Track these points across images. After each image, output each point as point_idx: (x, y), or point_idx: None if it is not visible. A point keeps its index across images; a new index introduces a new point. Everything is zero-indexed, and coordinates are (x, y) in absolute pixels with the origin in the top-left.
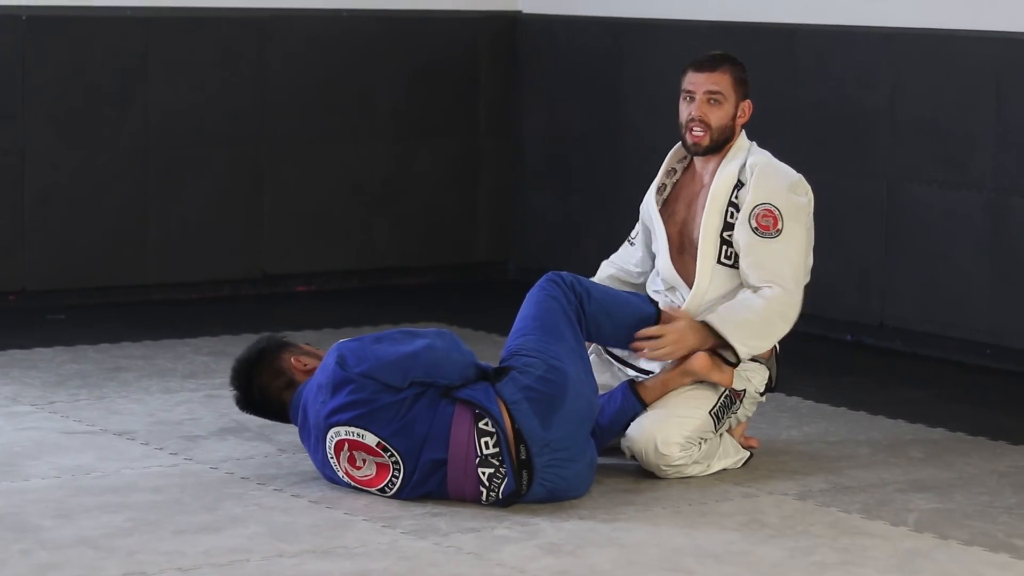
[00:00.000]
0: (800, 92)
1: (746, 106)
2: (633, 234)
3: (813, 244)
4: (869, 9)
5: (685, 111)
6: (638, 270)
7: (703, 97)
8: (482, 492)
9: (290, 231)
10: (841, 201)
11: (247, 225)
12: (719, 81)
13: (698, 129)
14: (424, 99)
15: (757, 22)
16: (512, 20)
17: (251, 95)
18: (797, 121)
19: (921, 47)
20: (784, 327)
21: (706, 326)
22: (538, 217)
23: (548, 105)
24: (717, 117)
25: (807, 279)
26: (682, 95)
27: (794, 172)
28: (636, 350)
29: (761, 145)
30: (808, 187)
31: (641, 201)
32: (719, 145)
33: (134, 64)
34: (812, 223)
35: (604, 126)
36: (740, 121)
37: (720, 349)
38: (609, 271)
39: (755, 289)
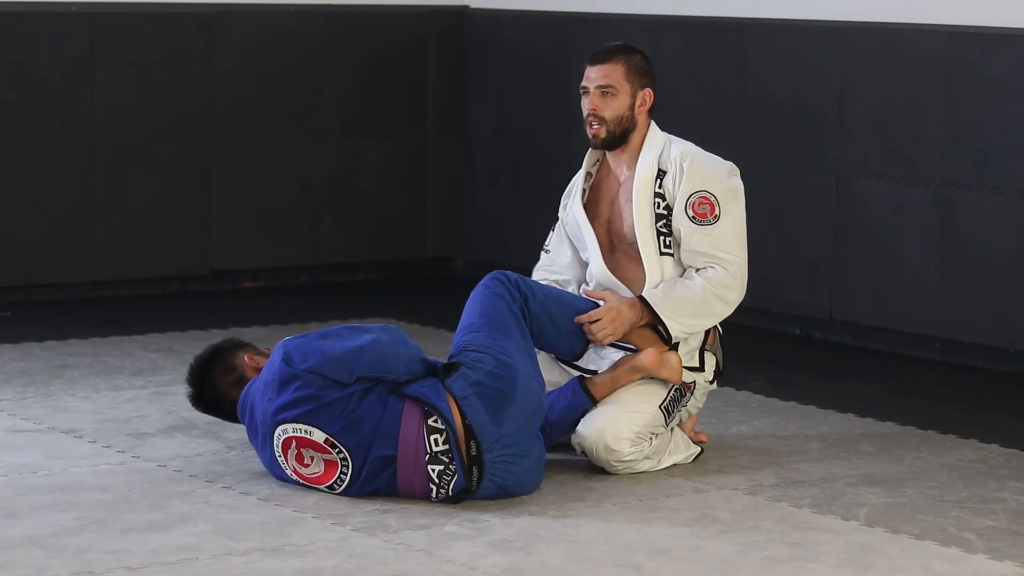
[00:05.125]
0: (748, 87)
1: (646, 95)
2: (547, 243)
3: (747, 237)
4: (817, 3)
5: (583, 107)
6: (565, 277)
7: (595, 91)
8: (432, 489)
9: (238, 228)
10: (790, 196)
11: (195, 222)
12: (610, 73)
13: (595, 123)
14: (372, 95)
15: (704, 16)
16: (459, 15)
17: (198, 91)
18: (745, 116)
19: (869, 41)
20: (723, 308)
21: (642, 302)
22: (486, 214)
23: (496, 101)
24: (611, 109)
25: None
26: (581, 91)
27: (724, 160)
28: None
29: (710, 140)
30: (738, 173)
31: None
32: (620, 137)
33: (80, 60)
34: (744, 214)
35: (552, 122)
36: (642, 110)
37: (658, 325)
38: (548, 279)
39: (696, 271)
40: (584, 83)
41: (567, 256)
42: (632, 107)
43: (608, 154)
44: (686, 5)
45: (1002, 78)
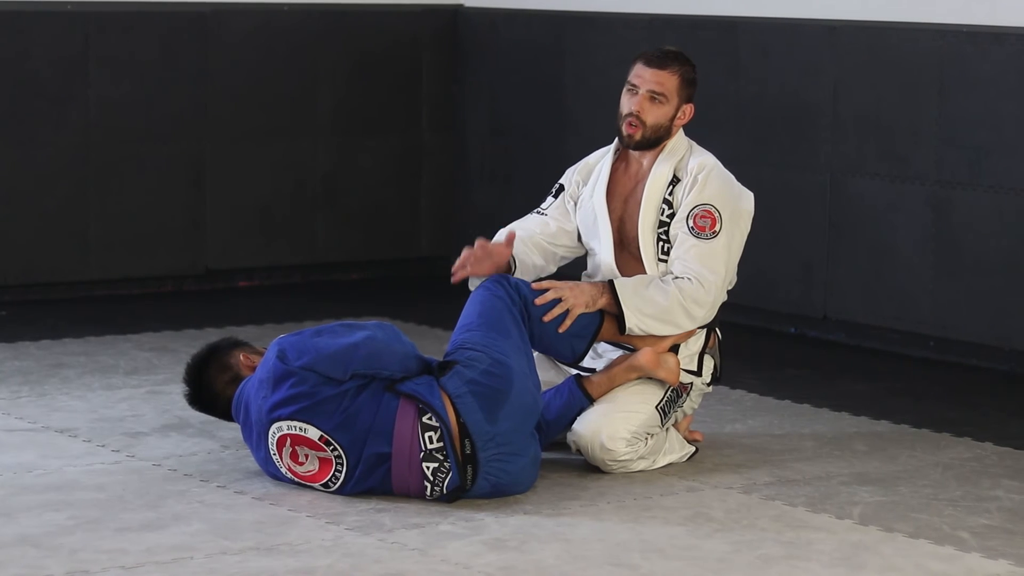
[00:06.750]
0: (742, 86)
1: (688, 109)
2: (545, 207)
3: (740, 255)
4: (811, 2)
5: (626, 103)
6: (558, 242)
7: (645, 94)
8: (426, 487)
9: (232, 226)
10: (784, 194)
11: (189, 221)
12: (665, 82)
13: (634, 123)
14: (366, 94)
15: (698, 15)
16: (454, 14)
17: (192, 90)
18: (740, 115)
19: (863, 40)
20: (685, 320)
21: (609, 286)
22: (481, 212)
23: (490, 99)
24: (655, 116)
25: (732, 284)
26: (627, 85)
27: (742, 185)
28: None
29: (704, 139)
30: (752, 201)
31: (562, 181)
32: (652, 143)
33: (75, 59)
34: (744, 239)
35: (547, 120)
36: (679, 122)
37: (615, 313)
38: (537, 236)
39: (674, 277)
40: (634, 80)
41: (571, 224)
42: (673, 118)
43: (632, 152)
44: (680, 4)
45: (996, 76)
